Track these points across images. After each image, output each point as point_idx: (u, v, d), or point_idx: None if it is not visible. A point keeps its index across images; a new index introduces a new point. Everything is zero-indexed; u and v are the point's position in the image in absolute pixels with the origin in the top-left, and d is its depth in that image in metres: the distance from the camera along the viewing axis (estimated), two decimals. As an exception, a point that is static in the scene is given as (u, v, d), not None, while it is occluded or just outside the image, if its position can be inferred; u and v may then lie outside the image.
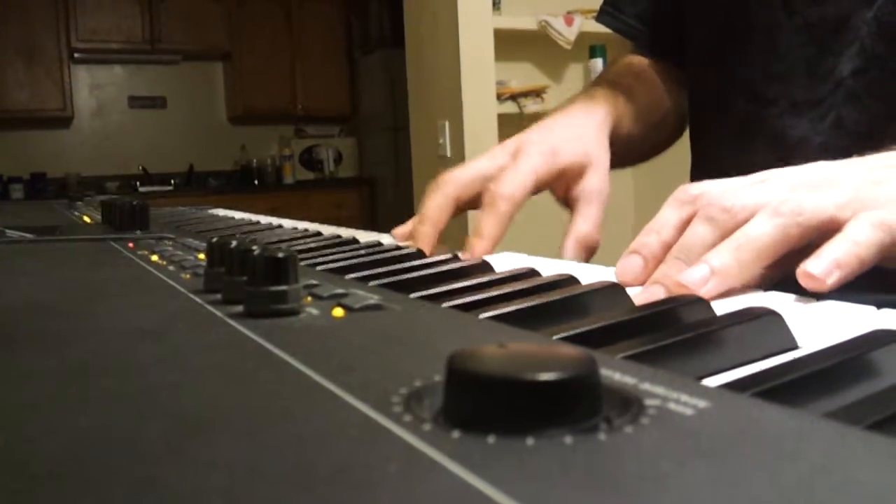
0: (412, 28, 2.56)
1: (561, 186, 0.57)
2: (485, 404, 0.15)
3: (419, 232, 0.54)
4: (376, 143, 4.55)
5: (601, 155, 0.58)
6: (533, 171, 0.53)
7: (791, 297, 0.32)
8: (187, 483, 0.13)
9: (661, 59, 0.77)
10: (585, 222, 0.55)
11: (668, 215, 0.39)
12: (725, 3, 0.66)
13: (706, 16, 0.69)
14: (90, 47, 4.31)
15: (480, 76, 2.32)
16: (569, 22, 2.47)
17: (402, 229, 0.59)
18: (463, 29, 2.28)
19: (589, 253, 0.55)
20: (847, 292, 0.31)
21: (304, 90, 4.71)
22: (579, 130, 0.59)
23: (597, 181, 0.57)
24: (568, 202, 0.58)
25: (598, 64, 2.49)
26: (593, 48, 2.54)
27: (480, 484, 0.13)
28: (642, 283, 0.36)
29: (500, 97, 2.44)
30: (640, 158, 0.81)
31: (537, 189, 0.55)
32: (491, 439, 0.14)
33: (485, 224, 0.51)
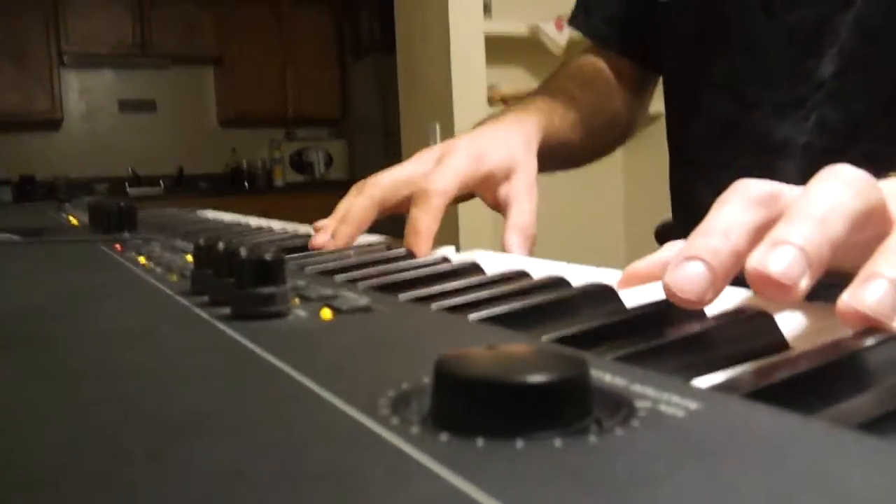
0: (403, 32, 2.56)
1: (488, 191, 0.58)
2: (473, 407, 0.15)
3: (340, 231, 0.54)
4: (367, 146, 4.55)
5: (527, 161, 0.59)
6: (458, 172, 0.54)
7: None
8: (170, 489, 0.13)
9: (628, 60, 0.78)
10: (521, 216, 0.56)
11: (736, 215, 0.29)
12: (704, 5, 0.67)
13: (684, 18, 0.70)
14: (80, 51, 4.30)
15: (471, 80, 2.32)
16: (559, 27, 2.47)
17: (322, 236, 0.58)
18: (454, 33, 2.28)
19: (530, 243, 0.55)
20: (840, 291, 0.30)
21: (295, 95, 4.70)
22: (506, 138, 0.59)
23: (524, 183, 0.57)
24: (497, 205, 0.58)
25: (588, 67, 2.49)
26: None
27: (469, 488, 0.12)
28: (708, 301, 0.28)
29: (491, 101, 2.44)
30: (582, 161, 0.82)
31: (463, 189, 0.55)
32: (480, 442, 0.14)
33: (420, 220, 0.51)
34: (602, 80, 0.78)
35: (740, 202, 0.29)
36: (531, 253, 0.54)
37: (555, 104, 0.69)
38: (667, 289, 0.27)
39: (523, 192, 0.57)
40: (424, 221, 0.51)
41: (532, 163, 0.59)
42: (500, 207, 0.58)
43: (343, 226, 0.55)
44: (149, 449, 0.15)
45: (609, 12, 0.79)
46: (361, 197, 0.56)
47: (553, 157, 0.64)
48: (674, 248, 0.34)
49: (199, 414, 0.17)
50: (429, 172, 0.54)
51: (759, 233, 0.28)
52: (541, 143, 0.62)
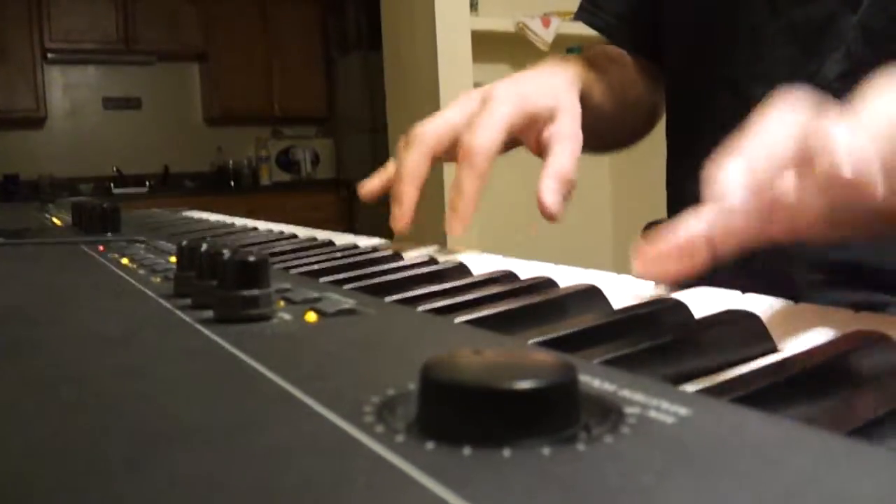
0: (389, 29, 2.56)
1: (532, 134, 0.56)
2: (459, 415, 0.14)
3: (401, 192, 0.52)
4: (354, 144, 4.54)
5: (571, 102, 0.57)
6: (504, 118, 0.52)
7: (769, 299, 0.32)
8: (148, 499, 0.13)
9: (639, 56, 0.77)
10: (561, 159, 0.53)
11: (781, 133, 0.30)
12: (709, 1, 0.66)
13: (689, 12, 0.70)
14: (64, 48, 4.26)
15: (458, 77, 2.31)
16: (546, 24, 2.47)
17: (370, 185, 0.57)
18: (440, 30, 2.28)
19: (568, 190, 0.52)
20: (827, 291, 0.30)
21: (280, 91, 4.68)
22: (549, 82, 0.58)
23: (568, 124, 0.55)
24: (540, 150, 0.56)
25: (575, 66, 2.49)
26: (570, 50, 2.54)
27: (455, 499, 0.12)
28: (749, 198, 0.28)
29: (478, 99, 2.44)
30: (614, 142, 0.80)
31: (509, 137, 0.54)
32: (466, 451, 0.14)
33: (464, 181, 0.50)
34: (626, 62, 0.77)
35: (786, 119, 0.30)
36: (567, 199, 0.51)
37: (590, 66, 0.66)
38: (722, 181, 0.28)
39: (566, 133, 0.54)
40: (468, 183, 0.50)
41: (576, 105, 0.57)
42: (542, 152, 0.55)
43: (403, 186, 0.52)
44: (126, 457, 0.15)
45: (619, 7, 0.78)
46: (412, 152, 0.53)
47: (588, 119, 0.60)
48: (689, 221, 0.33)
49: (179, 420, 0.17)
50: (472, 121, 0.52)
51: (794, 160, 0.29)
52: (581, 95, 0.60)
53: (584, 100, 0.61)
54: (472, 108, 0.54)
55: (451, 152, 0.54)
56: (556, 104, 0.56)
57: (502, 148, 0.53)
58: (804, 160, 0.28)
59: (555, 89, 0.57)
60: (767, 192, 0.28)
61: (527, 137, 0.56)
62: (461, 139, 0.52)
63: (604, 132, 0.73)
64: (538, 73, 0.60)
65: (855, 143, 0.26)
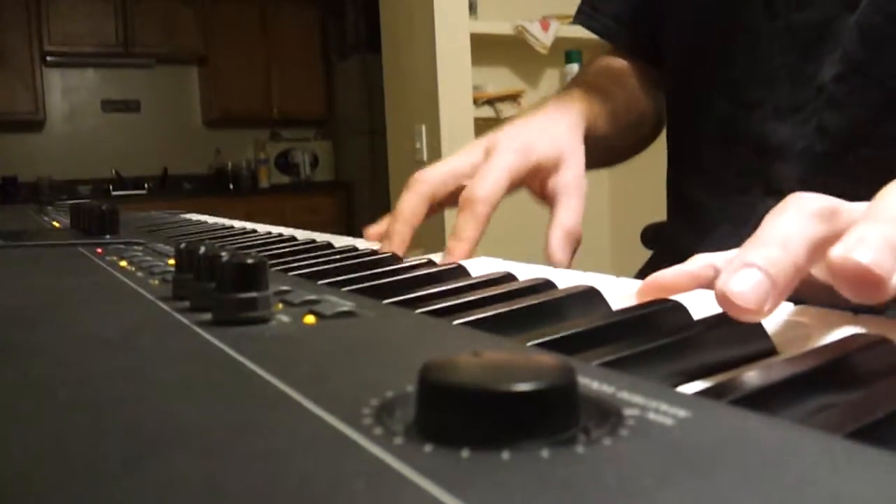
0: (389, 32, 2.56)
1: (536, 183, 0.57)
2: (458, 417, 0.14)
3: (393, 231, 0.53)
4: (353, 146, 4.54)
5: (575, 150, 0.58)
6: (507, 169, 0.53)
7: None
8: (143, 502, 0.13)
9: (638, 59, 0.77)
10: (568, 214, 0.54)
11: (795, 226, 0.27)
12: (708, 3, 0.66)
13: (688, 16, 0.70)
14: (63, 50, 4.27)
15: (457, 80, 2.32)
16: (545, 27, 2.48)
17: (374, 228, 0.58)
18: (439, 33, 2.28)
19: (575, 245, 0.54)
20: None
21: (280, 94, 4.69)
22: (552, 128, 0.59)
23: (573, 175, 0.56)
24: (545, 198, 0.57)
25: (573, 69, 2.50)
26: (569, 53, 2.55)
27: (453, 502, 0.12)
28: (767, 312, 0.25)
29: (477, 102, 2.44)
30: (614, 159, 0.81)
31: (512, 186, 0.54)
32: (465, 453, 0.14)
33: (462, 227, 0.51)
34: (629, 77, 0.77)
35: (798, 213, 0.27)
36: (574, 254, 0.53)
37: (592, 95, 0.68)
38: (721, 296, 0.25)
39: (571, 186, 0.56)
40: (467, 230, 0.50)
41: (580, 152, 0.58)
42: (547, 200, 0.57)
43: (396, 225, 0.53)
44: (124, 459, 0.14)
45: (616, 9, 0.78)
46: (410, 194, 0.54)
47: (591, 150, 0.62)
48: (700, 260, 0.33)
49: (177, 423, 0.17)
50: (476, 169, 0.53)
51: (818, 247, 0.26)
52: (585, 134, 0.61)
53: (590, 132, 0.62)
54: (475, 157, 0.55)
55: (450, 199, 0.55)
56: (559, 154, 0.56)
57: (504, 194, 0.54)
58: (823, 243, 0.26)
59: (559, 136, 0.58)
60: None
61: (530, 186, 0.57)
62: (464, 189, 0.52)
63: (607, 155, 0.74)
64: (542, 117, 0.60)
65: (878, 231, 0.24)
